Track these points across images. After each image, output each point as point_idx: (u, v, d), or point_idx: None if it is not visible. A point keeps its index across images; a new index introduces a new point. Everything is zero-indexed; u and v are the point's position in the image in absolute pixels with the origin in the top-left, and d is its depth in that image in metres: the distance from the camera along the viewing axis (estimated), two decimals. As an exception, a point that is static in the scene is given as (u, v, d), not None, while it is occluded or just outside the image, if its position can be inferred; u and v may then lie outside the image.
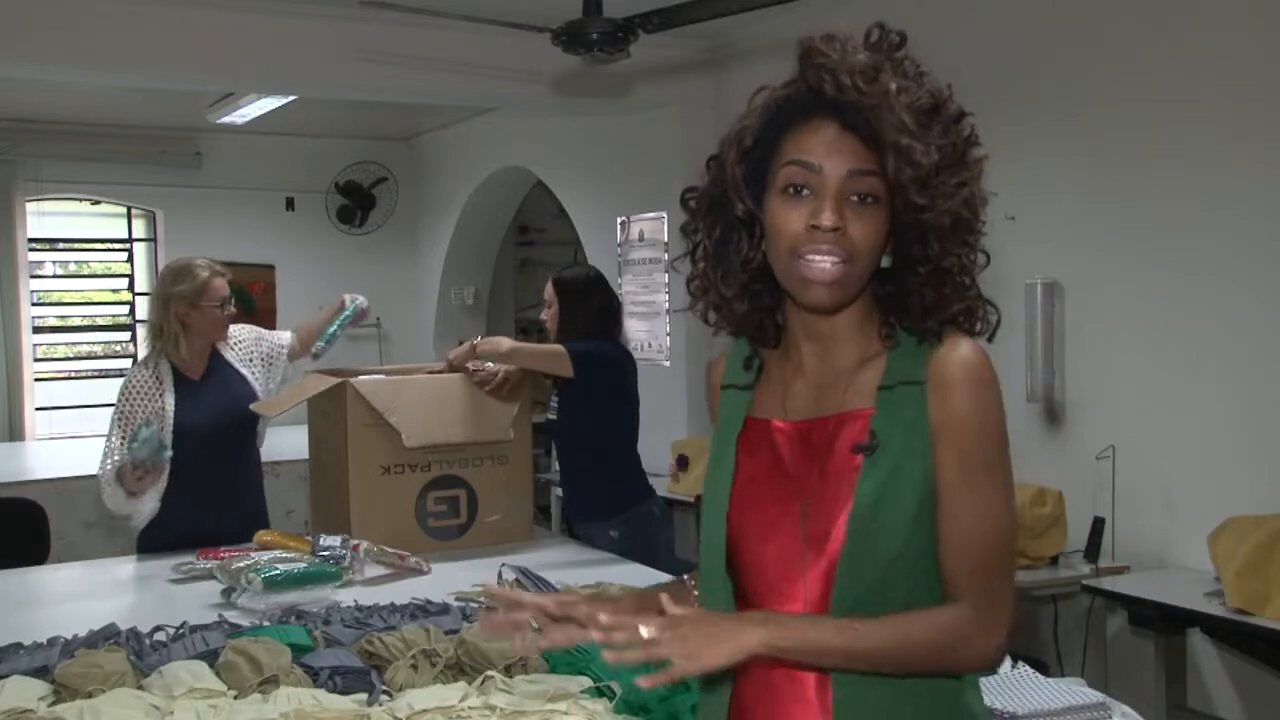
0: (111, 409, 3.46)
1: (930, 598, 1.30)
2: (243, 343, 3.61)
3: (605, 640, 1.25)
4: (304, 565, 2.89)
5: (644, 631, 1.21)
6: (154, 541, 3.42)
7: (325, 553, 3.05)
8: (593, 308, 3.61)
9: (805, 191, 1.29)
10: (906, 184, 1.26)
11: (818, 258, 1.28)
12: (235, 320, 3.59)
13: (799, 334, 1.39)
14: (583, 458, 3.69)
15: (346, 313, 3.72)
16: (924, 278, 1.31)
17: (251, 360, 3.59)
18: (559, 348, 3.47)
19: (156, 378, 3.42)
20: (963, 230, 1.30)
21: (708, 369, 1.53)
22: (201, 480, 3.38)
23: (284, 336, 3.73)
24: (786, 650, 1.23)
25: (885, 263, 1.32)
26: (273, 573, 2.78)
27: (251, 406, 3.48)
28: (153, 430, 3.24)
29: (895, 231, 1.31)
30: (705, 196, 1.39)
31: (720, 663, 1.20)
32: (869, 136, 1.27)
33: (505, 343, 3.46)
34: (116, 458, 3.33)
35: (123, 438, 3.32)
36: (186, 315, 3.43)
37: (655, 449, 5.43)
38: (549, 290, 3.66)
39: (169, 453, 3.30)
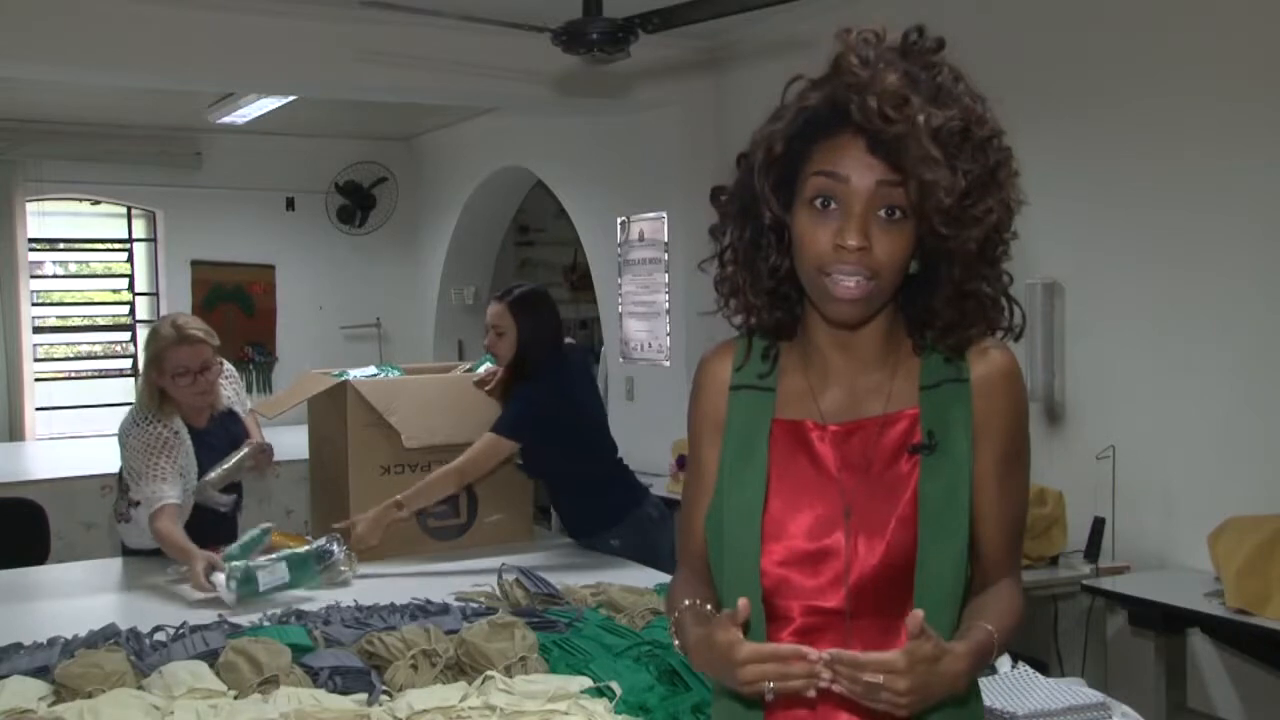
0: (132, 460, 3.14)
1: (961, 587, 1.33)
2: (230, 377, 3.43)
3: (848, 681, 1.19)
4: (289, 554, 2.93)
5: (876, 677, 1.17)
6: None
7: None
8: (550, 319, 3.45)
9: (832, 205, 1.28)
10: (930, 213, 1.25)
11: (843, 277, 1.27)
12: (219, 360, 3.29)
13: (823, 340, 1.38)
14: (567, 487, 3.59)
15: (252, 535, 3.15)
16: (946, 298, 1.32)
17: (239, 392, 3.46)
18: (487, 440, 3.29)
19: (173, 430, 3.17)
20: (989, 252, 1.30)
21: (702, 361, 1.47)
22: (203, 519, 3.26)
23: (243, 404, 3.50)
24: (970, 676, 1.27)
25: (913, 268, 1.32)
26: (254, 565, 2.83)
27: (253, 406, 3.48)
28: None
29: (921, 247, 1.30)
30: (735, 198, 1.38)
31: (932, 704, 1.23)
32: (895, 163, 1.25)
33: (391, 515, 3.23)
34: (172, 499, 3.08)
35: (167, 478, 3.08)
36: (159, 381, 3.16)
37: (655, 449, 5.44)
38: (499, 315, 3.39)
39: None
